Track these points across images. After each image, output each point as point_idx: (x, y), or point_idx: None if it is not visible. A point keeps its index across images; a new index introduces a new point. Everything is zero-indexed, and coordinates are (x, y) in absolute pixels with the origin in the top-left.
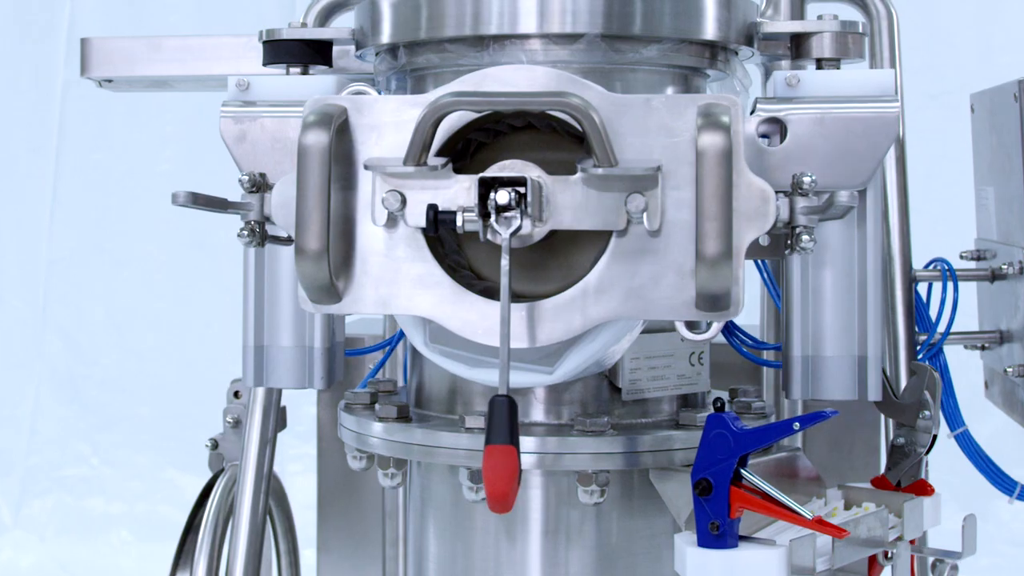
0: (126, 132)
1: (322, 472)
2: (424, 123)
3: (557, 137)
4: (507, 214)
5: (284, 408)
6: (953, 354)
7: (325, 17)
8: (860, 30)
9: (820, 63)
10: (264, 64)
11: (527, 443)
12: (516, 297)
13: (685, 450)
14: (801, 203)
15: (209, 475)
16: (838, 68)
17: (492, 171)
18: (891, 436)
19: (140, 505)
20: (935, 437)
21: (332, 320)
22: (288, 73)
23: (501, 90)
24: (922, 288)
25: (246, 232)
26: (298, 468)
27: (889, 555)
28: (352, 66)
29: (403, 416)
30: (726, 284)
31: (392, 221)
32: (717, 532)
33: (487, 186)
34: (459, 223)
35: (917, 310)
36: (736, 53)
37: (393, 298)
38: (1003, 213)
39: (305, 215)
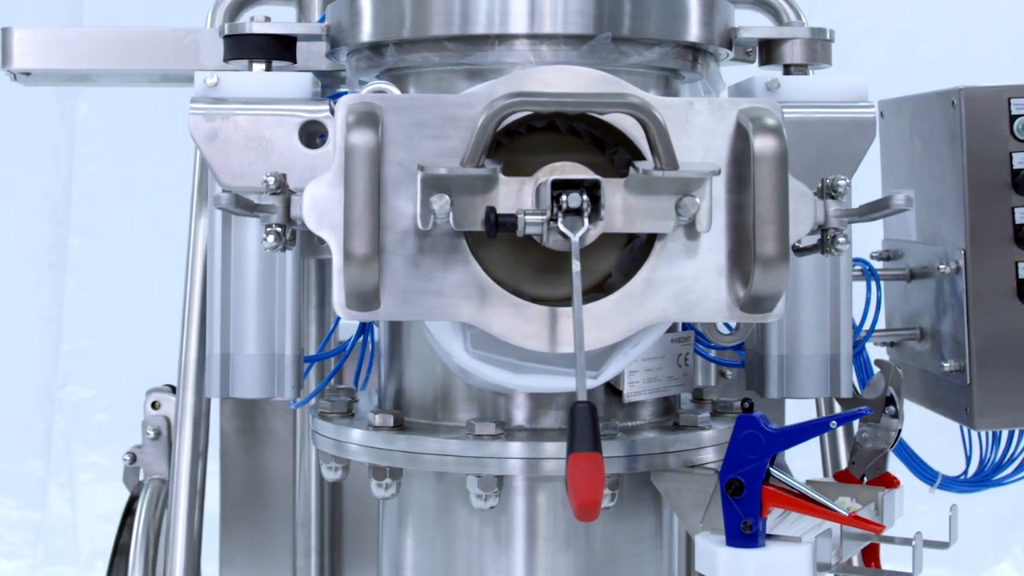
0: None
1: (225, 484)
2: (487, 124)
3: (576, 139)
4: (575, 217)
5: None
6: None
7: (234, 13)
8: (828, 37)
9: (788, 68)
10: (226, 60)
11: (532, 449)
12: (535, 301)
13: (690, 451)
14: (833, 206)
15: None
16: (806, 73)
17: (544, 173)
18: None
19: None
20: (899, 431)
21: (302, 328)
22: (251, 69)
23: (547, 91)
24: None
25: (272, 237)
26: (89, 476)
27: None
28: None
29: (399, 424)
30: (781, 286)
31: (432, 224)
32: (750, 532)
33: (555, 189)
34: (520, 226)
35: None
36: (714, 56)
37: (434, 304)
38: (929, 215)
39: (354, 218)
